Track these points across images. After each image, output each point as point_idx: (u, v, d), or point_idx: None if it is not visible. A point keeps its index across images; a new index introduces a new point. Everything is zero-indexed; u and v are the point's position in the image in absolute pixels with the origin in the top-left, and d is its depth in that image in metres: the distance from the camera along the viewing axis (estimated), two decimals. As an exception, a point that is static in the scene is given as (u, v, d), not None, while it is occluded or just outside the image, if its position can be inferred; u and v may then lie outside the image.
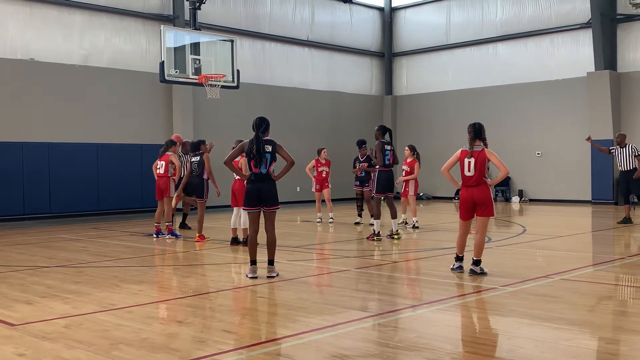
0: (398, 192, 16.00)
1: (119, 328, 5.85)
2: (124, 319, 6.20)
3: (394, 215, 12.39)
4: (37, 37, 18.25)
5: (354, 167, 15.38)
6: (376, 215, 12.22)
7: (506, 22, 24.55)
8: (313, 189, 16.35)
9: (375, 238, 12.07)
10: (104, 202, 19.07)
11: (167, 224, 13.18)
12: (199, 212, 12.55)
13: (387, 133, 12.31)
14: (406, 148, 15.16)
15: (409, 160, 14.89)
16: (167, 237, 13.10)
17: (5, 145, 17.28)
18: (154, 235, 13.30)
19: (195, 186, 12.55)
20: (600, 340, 5.51)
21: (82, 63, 19.05)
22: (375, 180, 12.24)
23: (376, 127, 12.46)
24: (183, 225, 14.77)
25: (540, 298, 6.99)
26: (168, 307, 7.05)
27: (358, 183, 15.43)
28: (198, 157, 12.51)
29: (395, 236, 12.39)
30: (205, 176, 12.49)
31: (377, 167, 12.18)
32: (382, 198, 12.52)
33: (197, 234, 12.52)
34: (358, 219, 15.76)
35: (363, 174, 15.05)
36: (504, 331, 5.80)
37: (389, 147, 12.22)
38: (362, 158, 15.21)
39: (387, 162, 12.14)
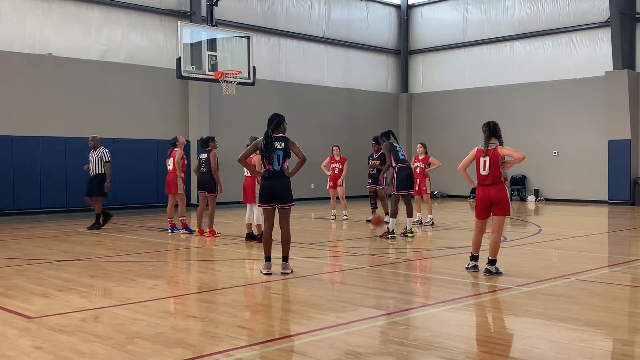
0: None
1: (134, 322, 5.89)
2: (140, 314, 6.24)
3: (409, 214, 12.41)
4: (55, 33, 18.39)
5: (369, 164, 15.41)
6: (392, 213, 12.20)
7: (524, 20, 24.39)
8: (327, 186, 16.40)
9: (389, 236, 12.05)
10: (119, 197, 19.18)
11: (181, 219, 13.27)
12: (210, 208, 12.60)
13: (391, 135, 12.42)
14: (419, 145, 15.17)
15: (421, 157, 14.90)
16: (181, 232, 13.19)
17: (23, 139, 17.45)
18: (169, 231, 13.38)
19: (204, 182, 12.58)
20: (615, 341, 5.47)
21: (99, 58, 19.18)
22: (395, 178, 12.23)
23: (380, 135, 12.58)
24: (94, 227, 14.06)
25: (556, 298, 6.95)
26: (183, 302, 7.09)
27: (371, 181, 15.42)
28: (206, 154, 12.56)
29: (409, 234, 12.38)
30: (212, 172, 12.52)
31: (394, 165, 12.18)
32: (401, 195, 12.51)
33: (208, 229, 12.58)
34: (370, 217, 15.72)
35: (375, 171, 15.07)
36: (519, 331, 5.78)
37: (398, 147, 12.38)
38: (375, 155, 15.20)
39: (402, 158, 12.22)
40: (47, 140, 17.83)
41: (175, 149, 13.32)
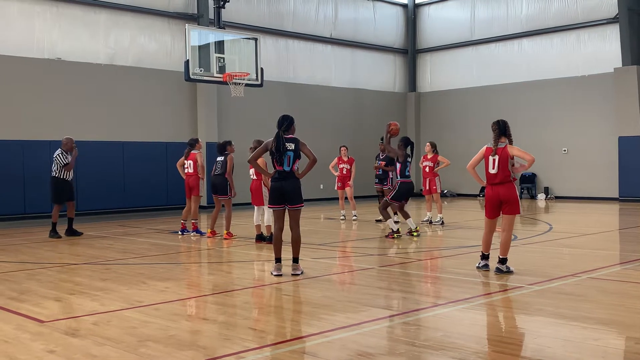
0: (420, 190, 15.96)
1: (146, 325, 5.91)
2: (151, 316, 6.26)
3: (406, 217, 12.51)
4: (63, 37, 18.48)
5: (375, 164, 15.43)
6: (385, 217, 12.40)
7: (531, 17, 24.30)
8: (335, 187, 16.41)
9: (395, 235, 12.16)
10: (129, 200, 19.27)
11: (192, 221, 13.30)
12: (226, 210, 12.62)
13: (410, 146, 12.46)
14: (427, 144, 15.18)
15: (429, 156, 14.90)
16: (192, 234, 13.21)
17: (33, 143, 17.55)
18: (180, 233, 13.41)
19: (217, 185, 12.60)
20: (628, 340, 5.44)
21: (107, 62, 19.26)
22: (397, 189, 12.33)
23: (400, 138, 12.60)
24: (71, 232, 13.50)
25: (567, 297, 6.93)
26: (194, 304, 7.11)
27: (377, 181, 15.44)
28: (223, 157, 12.58)
29: (415, 233, 12.43)
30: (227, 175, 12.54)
31: (403, 179, 12.30)
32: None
33: (225, 231, 12.60)
34: (380, 217, 15.70)
35: (381, 172, 15.10)
36: (531, 330, 5.76)
37: (409, 160, 12.42)
38: (382, 155, 15.20)
39: (407, 174, 12.39)
40: (57, 145, 17.79)
41: (194, 151, 13.30)
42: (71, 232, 13.54)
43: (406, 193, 12.37)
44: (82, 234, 13.63)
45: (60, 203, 13.36)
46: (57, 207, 13.41)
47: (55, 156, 13.36)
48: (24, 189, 17.46)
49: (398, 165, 12.35)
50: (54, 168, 13.30)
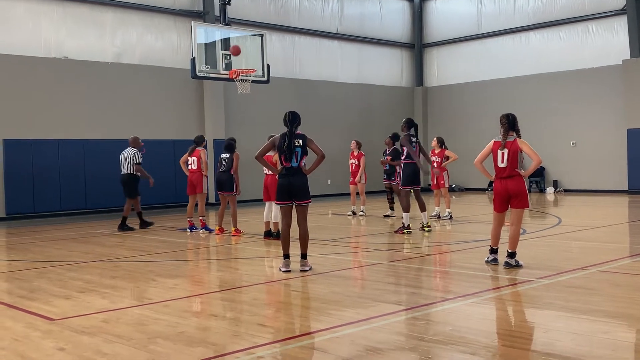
0: (429, 184, 15.92)
1: (156, 322, 5.93)
2: (161, 313, 6.28)
3: (422, 208, 12.41)
4: (70, 36, 18.54)
5: (382, 160, 15.40)
6: (405, 208, 12.20)
7: (539, 10, 24.17)
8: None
9: (405, 231, 12.04)
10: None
11: (200, 218, 13.32)
12: (231, 207, 12.64)
13: (413, 127, 12.33)
14: (434, 139, 15.15)
15: (437, 151, 14.86)
16: (200, 231, 13.24)
17: (42, 142, 17.63)
18: (188, 230, 13.44)
19: (223, 181, 12.61)
20: (638, 332, 5.42)
21: (114, 60, 19.30)
22: (401, 173, 12.28)
23: (403, 120, 12.50)
24: (123, 227, 14.02)
25: (577, 290, 6.90)
26: (203, 301, 7.12)
27: (385, 176, 15.41)
28: (228, 154, 12.58)
29: (426, 228, 12.35)
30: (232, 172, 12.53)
31: (407, 159, 12.19)
32: (410, 190, 12.49)
33: (233, 228, 12.62)
34: (389, 212, 15.70)
35: (388, 167, 15.06)
36: (540, 324, 5.74)
37: (414, 140, 12.26)
38: (388, 150, 15.17)
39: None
40: (65, 143, 17.99)
41: (199, 148, 13.33)
42: (124, 227, 14.08)
43: (412, 174, 12.21)
44: (134, 229, 14.15)
45: (134, 197, 14.14)
46: (130, 202, 14.23)
47: (132, 155, 14.10)
48: (33, 188, 17.53)
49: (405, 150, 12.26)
50: (127, 165, 14.08)
